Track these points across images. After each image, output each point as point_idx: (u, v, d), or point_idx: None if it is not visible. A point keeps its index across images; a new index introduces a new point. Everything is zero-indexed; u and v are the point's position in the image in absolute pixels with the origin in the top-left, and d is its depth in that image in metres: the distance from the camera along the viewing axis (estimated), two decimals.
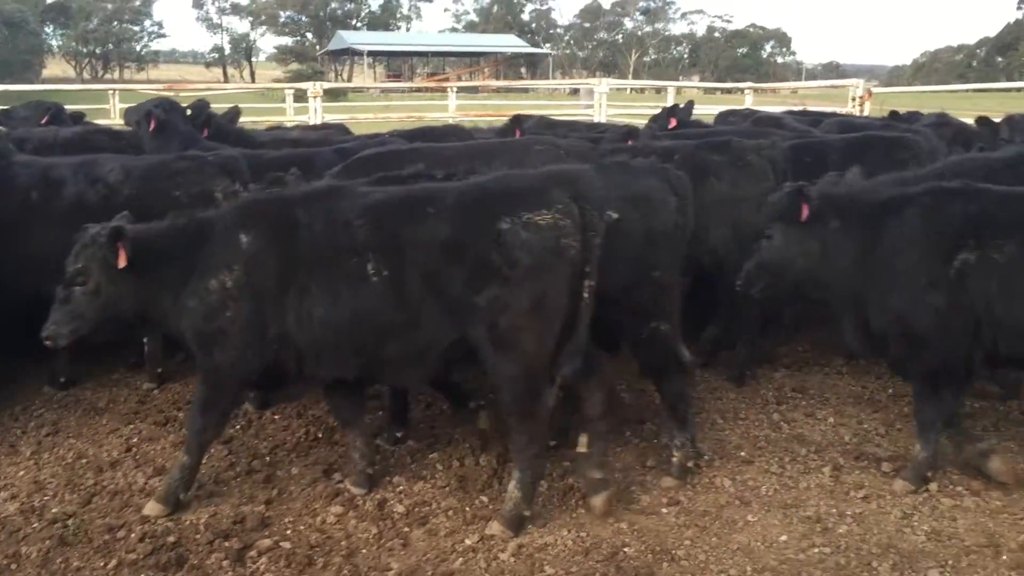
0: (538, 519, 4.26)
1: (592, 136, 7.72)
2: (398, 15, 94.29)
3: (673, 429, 4.73)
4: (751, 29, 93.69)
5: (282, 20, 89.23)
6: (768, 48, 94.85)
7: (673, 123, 8.47)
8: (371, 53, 71.36)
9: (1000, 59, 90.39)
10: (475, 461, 4.90)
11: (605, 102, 10.51)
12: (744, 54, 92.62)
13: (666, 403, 4.75)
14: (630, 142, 6.78)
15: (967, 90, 33.95)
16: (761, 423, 5.46)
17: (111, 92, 15.28)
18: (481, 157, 5.86)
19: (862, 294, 4.53)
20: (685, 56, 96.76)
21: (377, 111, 20.31)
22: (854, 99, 11.22)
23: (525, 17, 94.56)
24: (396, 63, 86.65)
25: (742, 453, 5.04)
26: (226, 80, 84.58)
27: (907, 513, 4.35)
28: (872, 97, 11.21)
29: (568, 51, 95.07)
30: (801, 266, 4.66)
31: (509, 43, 79.04)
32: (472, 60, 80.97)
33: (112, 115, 14.19)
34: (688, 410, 4.77)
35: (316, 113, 11.70)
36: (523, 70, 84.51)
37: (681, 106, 9.37)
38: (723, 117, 10.45)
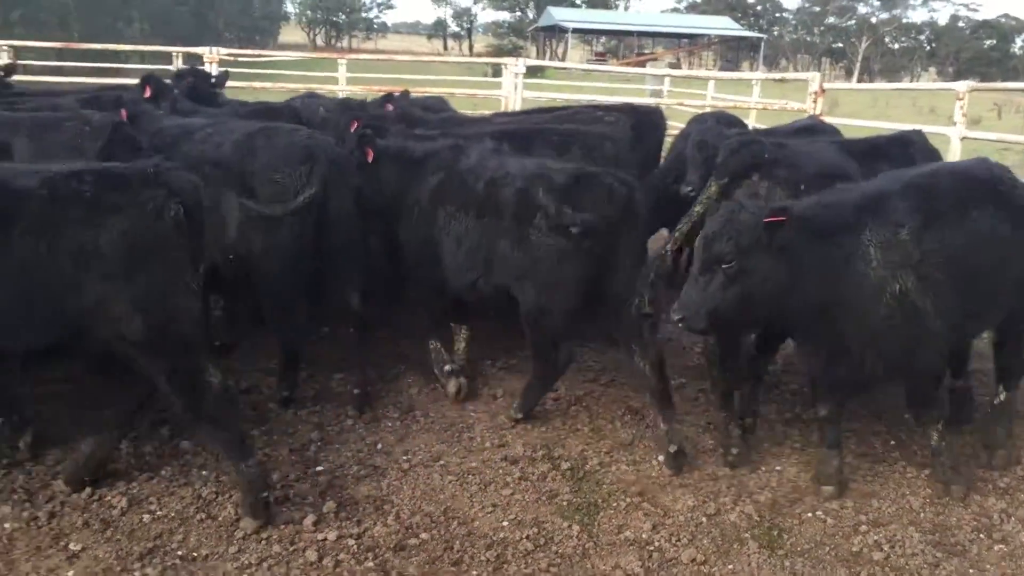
0: None
1: None
2: None
3: None
4: (1002, 20, 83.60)
5: None
6: (1020, 42, 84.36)
7: None
8: (576, 31, 71.56)
9: None
10: None
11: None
12: (991, 47, 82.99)
13: None
14: None
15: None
16: None
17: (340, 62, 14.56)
18: None
19: None
20: (926, 47, 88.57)
21: (563, 89, 19.38)
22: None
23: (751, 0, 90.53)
24: (610, 43, 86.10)
25: None
26: (445, 51, 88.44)
27: None
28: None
29: (795, 36, 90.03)
30: None
31: (722, 25, 76.15)
32: (687, 42, 78.95)
33: (339, 83, 13.44)
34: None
35: (516, 89, 11.07)
36: (746, 54, 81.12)
37: None
38: None
